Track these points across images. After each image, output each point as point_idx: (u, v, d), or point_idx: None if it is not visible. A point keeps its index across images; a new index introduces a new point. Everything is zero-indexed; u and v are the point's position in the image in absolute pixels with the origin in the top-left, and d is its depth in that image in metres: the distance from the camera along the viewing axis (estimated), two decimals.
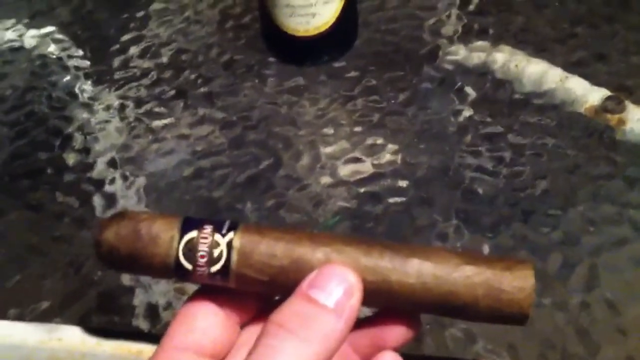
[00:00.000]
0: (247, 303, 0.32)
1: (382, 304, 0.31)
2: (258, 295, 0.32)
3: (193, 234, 0.30)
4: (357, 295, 0.28)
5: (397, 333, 0.31)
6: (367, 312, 0.32)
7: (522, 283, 0.29)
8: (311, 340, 0.27)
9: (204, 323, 0.31)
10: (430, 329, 0.45)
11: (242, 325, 0.33)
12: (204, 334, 0.31)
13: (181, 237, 0.30)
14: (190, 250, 0.30)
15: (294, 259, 0.30)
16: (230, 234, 0.30)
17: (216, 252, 0.30)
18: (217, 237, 0.30)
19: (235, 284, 0.30)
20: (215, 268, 0.30)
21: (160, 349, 0.30)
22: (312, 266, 0.29)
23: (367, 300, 0.29)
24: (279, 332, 0.27)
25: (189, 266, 0.30)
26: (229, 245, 0.30)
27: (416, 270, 0.29)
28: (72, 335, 0.47)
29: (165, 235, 0.30)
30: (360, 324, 0.31)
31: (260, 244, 0.30)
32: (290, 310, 0.28)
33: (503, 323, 0.30)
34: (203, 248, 0.30)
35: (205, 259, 0.30)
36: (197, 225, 0.30)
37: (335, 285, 0.28)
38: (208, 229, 0.30)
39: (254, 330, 0.32)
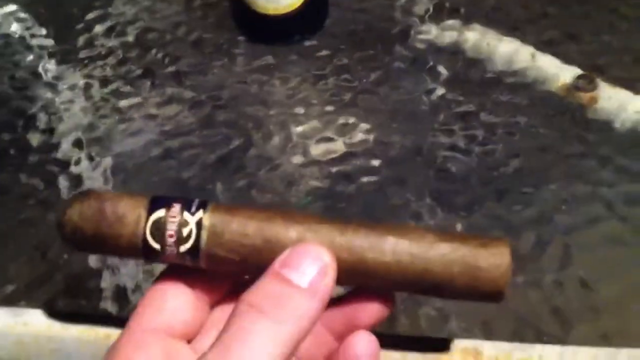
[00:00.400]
0: (217, 282, 0.32)
1: (357, 282, 0.31)
2: (228, 275, 0.32)
3: (161, 212, 0.29)
4: (331, 275, 0.28)
5: (371, 311, 0.31)
6: (341, 291, 0.31)
7: (498, 260, 0.29)
8: (284, 321, 0.26)
9: (173, 303, 0.30)
10: (404, 308, 0.45)
11: (212, 305, 0.32)
12: (173, 315, 0.30)
13: (148, 216, 0.29)
14: (158, 229, 0.29)
15: (266, 238, 0.29)
16: (200, 213, 0.29)
17: (185, 231, 0.29)
18: (186, 215, 0.29)
19: (205, 264, 0.30)
20: (185, 247, 0.29)
21: (127, 330, 0.29)
22: (285, 245, 0.29)
23: (342, 279, 0.29)
24: (250, 313, 0.26)
25: (157, 246, 0.29)
26: (199, 224, 0.29)
27: (392, 248, 0.29)
28: (37, 319, 0.46)
29: (131, 215, 0.29)
30: (333, 303, 0.31)
31: (232, 222, 0.29)
32: (262, 291, 0.27)
33: (479, 300, 0.30)
34: (171, 227, 0.29)
35: (173, 239, 0.29)
36: (165, 203, 0.30)
37: (308, 265, 0.27)
38: (176, 207, 0.29)
39: (224, 310, 0.32)
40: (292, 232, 0.29)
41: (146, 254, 0.29)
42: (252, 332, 0.25)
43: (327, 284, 0.28)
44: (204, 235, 0.29)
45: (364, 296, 0.31)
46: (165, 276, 0.31)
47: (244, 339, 0.25)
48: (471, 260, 0.29)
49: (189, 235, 0.29)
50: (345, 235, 0.29)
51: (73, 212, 0.30)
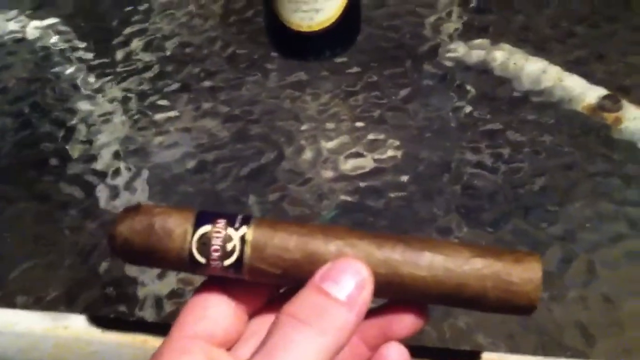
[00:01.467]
0: (257, 293, 0.33)
1: (393, 295, 0.32)
2: (268, 286, 0.33)
3: (207, 228, 0.31)
4: (368, 289, 0.29)
5: (405, 323, 0.32)
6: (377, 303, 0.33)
7: (531, 274, 0.30)
8: (324, 332, 0.27)
9: (214, 312, 0.31)
10: (431, 321, 0.46)
11: (251, 315, 0.33)
12: (215, 323, 0.31)
13: (194, 231, 0.31)
14: (204, 244, 0.30)
15: (307, 253, 0.30)
16: (244, 228, 0.31)
17: (229, 246, 0.30)
18: (230, 231, 0.30)
19: (248, 276, 0.31)
20: (229, 262, 0.30)
21: (169, 338, 0.31)
22: (325, 259, 0.30)
23: (378, 292, 0.30)
24: (292, 323, 0.27)
25: (202, 260, 0.30)
26: (242, 239, 0.30)
27: (428, 263, 0.30)
28: (78, 324, 0.48)
29: (179, 230, 0.31)
30: (368, 314, 0.32)
31: (273, 237, 0.31)
32: (303, 302, 0.28)
33: (510, 313, 0.31)
34: (216, 242, 0.30)
35: (218, 253, 0.30)
36: (211, 219, 0.31)
37: (347, 279, 0.29)
38: (221, 223, 0.31)
39: (262, 320, 0.33)
40: (331, 246, 0.30)
41: (192, 267, 0.31)
42: (294, 341, 0.27)
43: (365, 298, 0.29)
44: (247, 249, 0.30)
45: (398, 308, 0.32)
46: (206, 286, 0.32)
47: (286, 347, 0.26)
48: (504, 275, 0.30)
49: (232, 250, 0.30)
50: (382, 250, 0.30)
51: (124, 227, 0.31)
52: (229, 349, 0.32)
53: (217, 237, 0.30)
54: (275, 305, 0.32)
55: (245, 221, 0.31)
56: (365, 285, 0.29)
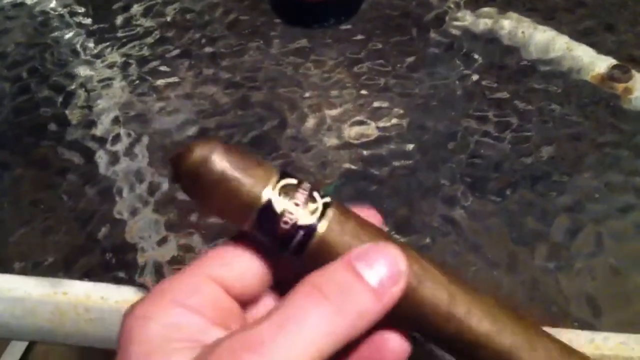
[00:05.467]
0: (283, 265, 0.31)
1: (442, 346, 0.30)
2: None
3: (293, 181, 0.28)
4: (401, 283, 0.27)
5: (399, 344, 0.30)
6: None
7: None
8: (343, 312, 0.25)
9: (241, 264, 0.29)
10: None
11: (272, 286, 0.31)
12: (237, 274, 0.29)
13: (280, 178, 0.28)
14: (287, 193, 0.28)
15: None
16: (328, 198, 0.29)
17: (312, 207, 0.28)
18: (315, 194, 0.28)
19: (312, 248, 0.28)
20: (304, 222, 0.28)
21: (185, 271, 0.29)
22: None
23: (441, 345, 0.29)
24: (312, 294, 0.26)
25: (279, 209, 0.28)
26: (326, 205, 0.28)
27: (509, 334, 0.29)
28: (77, 290, 0.48)
29: (263, 170, 0.28)
30: None
31: (349, 221, 0.28)
32: (330, 276, 0.27)
33: None
34: (300, 197, 0.28)
35: (299, 207, 0.28)
36: (296, 177, 0.29)
37: (383, 265, 0.27)
38: (307, 184, 0.29)
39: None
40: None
41: (260, 217, 0.28)
42: (311, 315, 0.25)
43: (395, 292, 0.27)
44: (326, 220, 0.28)
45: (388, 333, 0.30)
46: (240, 238, 0.30)
47: (300, 319, 0.25)
48: None
49: (313, 212, 0.28)
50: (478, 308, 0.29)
51: (205, 149, 0.28)
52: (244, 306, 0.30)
53: (302, 193, 0.28)
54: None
55: (327, 195, 0.29)
56: (400, 278, 0.27)
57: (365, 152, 0.56)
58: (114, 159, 0.57)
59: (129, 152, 0.57)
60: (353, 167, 0.55)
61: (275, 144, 0.57)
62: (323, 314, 0.25)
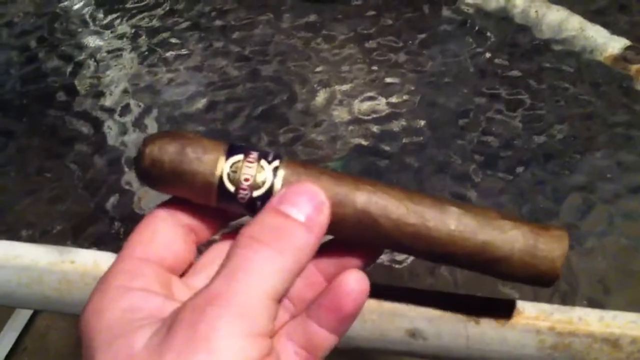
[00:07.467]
0: (207, 223, 0.32)
1: (418, 248, 0.31)
2: (219, 218, 0.32)
3: (239, 157, 0.30)
4: (326, 212, 0.29)
5: (361, 254, 0.32)
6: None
7: (557, 243, 0.30)
8: (284, 252, 0.27)
9: (164, 236, 0.31)
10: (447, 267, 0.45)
11: (198, 245, 0.33)
12: (164, 247, 0.31)
13: (227, 158, 0.30)
14: (235, 172, 0.30)
15: (335, 195, 0.30)
16: (276, 162, 0.30)
17: (261, 177, 0.30)
18: (263, 162, 0.30)
19: None
20: (258, 192, 0.30)
21: (120, 258, 0.30)
22: (354, 204, 0.30)
23: (406, 245, 0.30)
24: (252, 244, 0.27)
25: (231, 188, 0.30)
26: (275, 171, 0.30)
27: (455, 218, 0.30)
28: (85, 259, 0.47)
29: (210, 155, 0.30)
30: (323, 247, 0.31)
31: (304, 175, 0.30)
32: (262, 224, 0.28)
33: (529, 282, 0.31)
34: (248, 172, 0.30)
35: (249, 182, 0.30)
36: (243, 150, 0.30)
37: (305, 202, 0.29)
38: (254, 154, 0.30)
39: (213, 254, 0.32)
40: (361, 194, 0.30)
41: (218, 196, 0.30)
42: (256, 261, 0.27)
43: (322, 221, 0.29)
44: (278, 183, 0.30)
45: (349, 245, 0.32)
46: (158, 210, 0.31)
47: (247, 268, 0.26)
48: (532, 239, 0.30)
49: (264, 181, 0.30)
50: (412, 201, 0.30)
51: (154, 147, 0.30)
52: (180, 277, 0.32)
53: (249, 167, 0.30)
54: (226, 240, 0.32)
55: (278, 157, 0.30)
56: (323, 208, 0.29)
57: (375, 128, 0.55)
58: (123, 129, 0.57)
59: (138, 123, 0.57)
60: (363, 142, 0.54)
61: (285, 118, 0.56)
62: (266, 257, 0.27)
